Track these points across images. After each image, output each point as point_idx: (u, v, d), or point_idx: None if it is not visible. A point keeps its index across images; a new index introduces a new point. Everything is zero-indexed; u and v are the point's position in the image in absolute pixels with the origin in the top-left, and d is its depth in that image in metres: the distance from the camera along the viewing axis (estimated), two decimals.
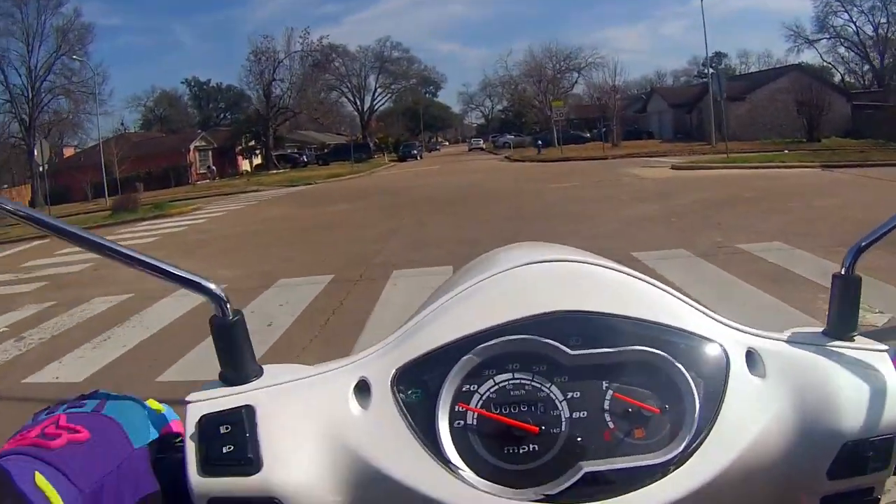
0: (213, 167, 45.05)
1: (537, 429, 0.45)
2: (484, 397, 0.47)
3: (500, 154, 44.80)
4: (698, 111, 41.71)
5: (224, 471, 0.43)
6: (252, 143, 50.69)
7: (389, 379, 0.48)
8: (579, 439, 0.46)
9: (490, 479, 0.45)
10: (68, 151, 46.50)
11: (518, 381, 0.47)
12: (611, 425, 0.46)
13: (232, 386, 0.47)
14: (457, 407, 0.46)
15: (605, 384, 0.47)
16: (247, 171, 46.90)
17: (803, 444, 0.47)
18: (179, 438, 0.48)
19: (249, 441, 0.44)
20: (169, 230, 15.06)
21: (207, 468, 0.44)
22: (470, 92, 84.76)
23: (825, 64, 46.89)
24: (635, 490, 0.44)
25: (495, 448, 0.45)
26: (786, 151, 20.55)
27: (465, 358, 0.47)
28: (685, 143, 34.38)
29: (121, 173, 39.79)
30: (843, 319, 0.52)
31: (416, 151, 53.41)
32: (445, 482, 0.44)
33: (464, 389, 0.47)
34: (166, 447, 0.48)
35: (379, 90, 69.52)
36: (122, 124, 65.99)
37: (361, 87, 68.27)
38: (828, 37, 49.04)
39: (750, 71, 58.31)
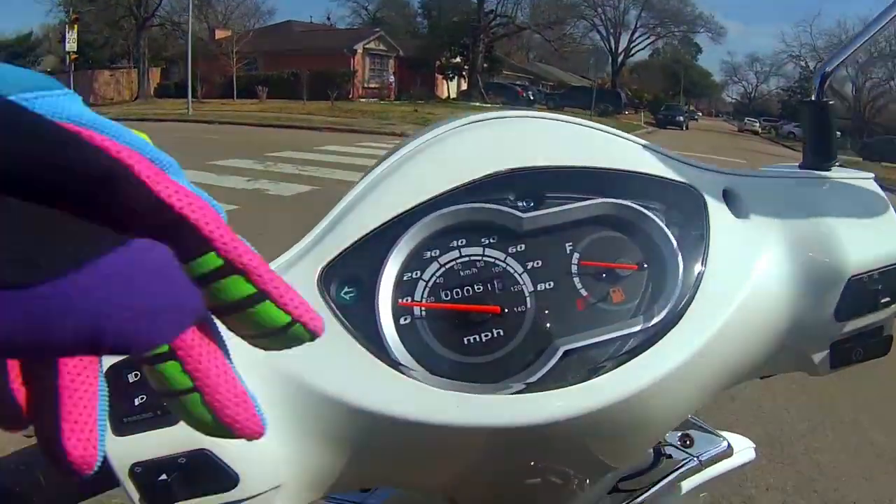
0: (393, 81, 30.85)
1: (499, 308, 0.39)
2: (430, 284, 0.40)
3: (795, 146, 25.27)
4: None
5: (140, 426, 0.36)
6: (457, 59, 35.57)
7: (315, 280, 0.40)
8: (549, 314, 0.39)
9: (454, 377, 0.38)
10: (221, 34, 35.35)
11: (467, 259, 0.41)
12: (583, 292, 0.40)
13: None
14: (399, 301, 0.39)
15: (568, 246, 0.41)
16: (433, 98, 32.20)
17: (805, 286, 0.42)
18: None
19: None
20: None
21: (121, 426, 0.36)
22: (734, 62, 68.08)
23: None
24: (624, 363, 0.38)
25: (454, 341, 0.39)
26: None
27: (400, 242, 0.40)
28: None
29: (252, 71, 28.00)
30: (819, 149, 0.48)
31: (681, 118, 36.42)
32: (400, 390, 0.37)
33: (405, 279, 0.40)
34: None
35: (640, 30, 52.07)
36: (328, 19, 55.11)
37: (618, 23, 51.22)
38: None
39: None
